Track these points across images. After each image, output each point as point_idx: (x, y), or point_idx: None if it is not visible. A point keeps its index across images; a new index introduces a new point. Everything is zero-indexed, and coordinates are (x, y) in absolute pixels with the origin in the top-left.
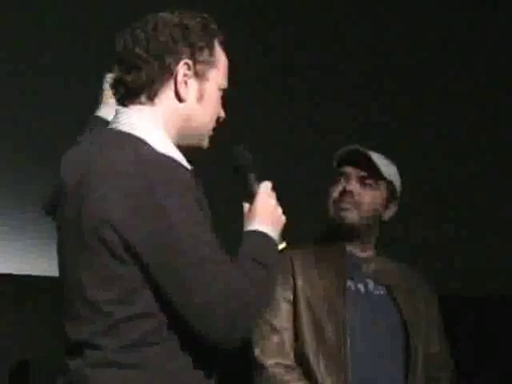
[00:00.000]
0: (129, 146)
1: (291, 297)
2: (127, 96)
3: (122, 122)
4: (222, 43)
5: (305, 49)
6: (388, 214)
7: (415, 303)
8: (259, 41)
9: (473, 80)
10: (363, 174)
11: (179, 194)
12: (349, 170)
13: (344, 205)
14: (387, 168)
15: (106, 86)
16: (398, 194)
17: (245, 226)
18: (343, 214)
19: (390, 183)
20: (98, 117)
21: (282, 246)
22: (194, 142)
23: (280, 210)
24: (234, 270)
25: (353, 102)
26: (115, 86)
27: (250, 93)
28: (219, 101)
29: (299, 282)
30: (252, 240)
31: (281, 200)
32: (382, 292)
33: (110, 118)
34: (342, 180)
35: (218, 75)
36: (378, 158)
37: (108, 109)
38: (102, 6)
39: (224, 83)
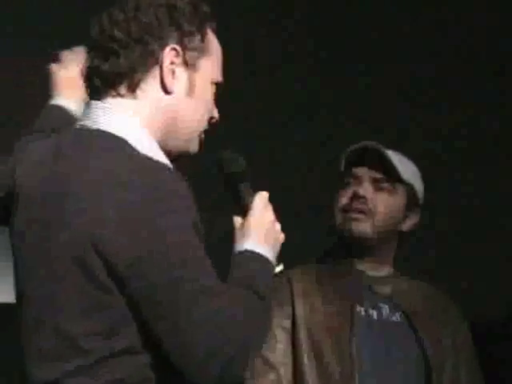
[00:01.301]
0: (120, 150)
1: (289, 326)
2: (103, 87)
3: (97, 118)
4: (214, 31)
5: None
6: (408, 224)
7: (440, 332)
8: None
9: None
10: (378, 175)
11: (175, 212)
12: (360, 170)
13: (355, 214)
14: (406, 168)
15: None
16: (420, 201)
17: (236, 245)
18: (354, 225)
19: (409, 187)
20: (57, 106)
21: (278, 268)
22: (180, 145)
23: (278, 226)
24: (230, 303)
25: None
26: (89, 77)
27: (240, 87)
28: (212, 97)
29: (299, 308)
30: (245, 263)
31: (279, 214)
32: (399, 319)
33: (71, 107)
34: (352, 183)
35: (210, 66)
36: (395, 157)
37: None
38: None
39: (218, 76)
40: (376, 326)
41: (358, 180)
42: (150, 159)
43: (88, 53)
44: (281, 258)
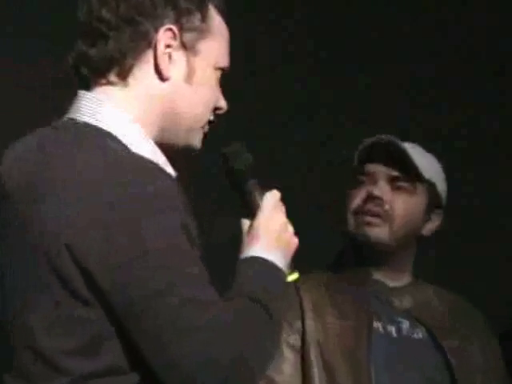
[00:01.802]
0: (94, 144)
1: (298, 342)
2: (91, 76)
3: (84, 110)
4: (220, 10)
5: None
6: (428, 228)
7: (468, 350)
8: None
9: None
10: (395, 173)
11: (160, 213)
12: (375, 167)
13: (369, 217)
14: (427, 164)
15: None
16: (444, 201)
17: (243, 250)
18: (369, 230)
19: (431, 186)
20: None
21: (292, 277)
22: (180, 139)
23: (291, 230)
24: (226, 315)
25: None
26: (76, 65)
27: (240, 87)
28: (217, 84)
29: (309, 324)
30: (252, 271)
31: (292, 215)
32: (421, 335)
33: None
34: (366, 182)
35: (213, 49)
36: (414, 151)
37: None
38: None
39: (223, 61)
40: (396, 345)
41: (373, 178)
42: (133, 155)
43: (76, 41)
44: (294, 265)
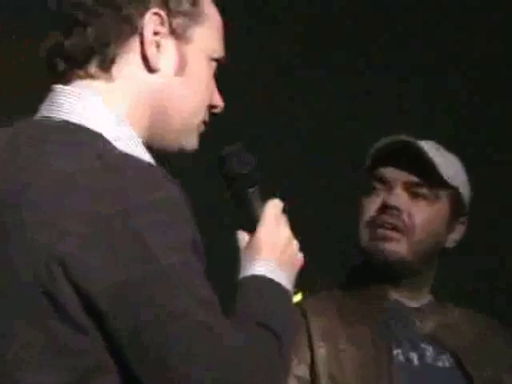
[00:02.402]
0: (87, 146)
1: (307, 374)
2: (69, 69)
3: (65, 107)
4: None
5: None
6: (452, 240)
7: (500, 377)
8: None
9: None
10: (414, 178)
11: (169, 226)
12: (391, 173)
13: (386, 231)
14: (451, 168)
15: None
16: (467, 207)
17: (243, 267)
18: (385, 245)
19: (454, 191)
20: None
21: (296, 298)
22: (172, 139)
23: (296, 244)
24: (240, 344)
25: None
26: (51, 59)
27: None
28: (212, 77)
29: (320, 353)
30: (255, 292)
31: (296, 227)
32: (447, 363)
33: None
34: (380, 189)
35: (206, 37)
36: (435, 153)
37: None
38: None
39: (218, 50)
40: (419, 375)
41: (388, 185)
42: (129, 156)
43: (50, 31)
44: (299, 284)
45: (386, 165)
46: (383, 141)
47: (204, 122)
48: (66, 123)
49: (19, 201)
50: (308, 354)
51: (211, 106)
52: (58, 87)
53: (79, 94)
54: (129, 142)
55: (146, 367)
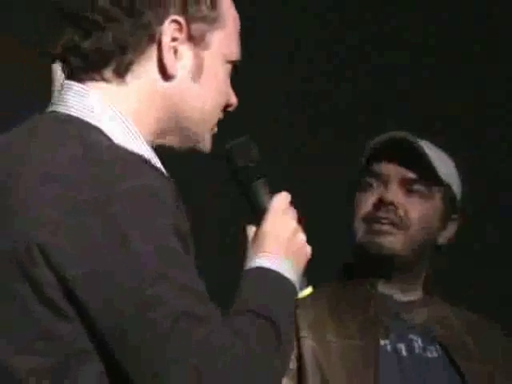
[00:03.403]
0: (74, 135)
1: (295, 368)
2: (84, 69)
3: (70, 101)
4: None
5: None
6: (445, 236)
7: (489, 370)
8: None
9: None
10: (409, 175)
11: (149, 213)
12: (387, 168)
13: (383, 226)
14: (444, 165)
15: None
16: (460, 205)
17: (248, 259)
18: (382, 238)
19: (447, 188)
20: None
21: (306, 292)
22: (186, 143)
23: (303, 237)
24: (226, 332)
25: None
26: (66, 56)
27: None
28: (228, 80)
29: (307, 344)
30: (258, 283)
31: (304, 220)
32: (435, 354)
33: None
34: (376, 185)
35: (224, 40)
36: (430, 151)
37: None
38: None
39: (235, 53)
40: (406, 364)
41: (384, 181)
42: (116, 146)
43: (66, 28)
44: (307, 277)
45: (381, 161)
46: (379, 138)
47: (218, 122)
48: (65, 116)
49: (4, 189)
50: (295, 348)
51: (226, 105)
52: (69, 83)
53: (87, 91)
54: (127, 136)
55: (127, 354)
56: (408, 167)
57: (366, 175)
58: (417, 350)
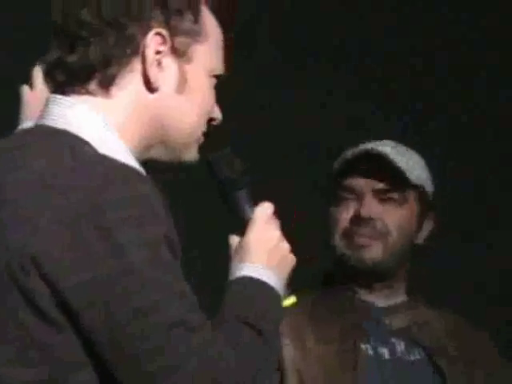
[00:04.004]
0: (62, 147)
1: (276, 375)
2: (69, 83)
3: (55, 114)
4: (214, 8)
5: None
6: (423, 235)
7: (473, 376)
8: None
9: None
10: (382, 185)
11: (139, 222)
12: (358, 182)
13: (361, 240)
14: (414, 167)
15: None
16: (433, 204)
17: (232, 269)
18: (363, 253)
19: (420, 189)
20: None
21: (289, 301)
22: (170, 154)
23: (286, 246)
24: (217, 340)
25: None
26: (51, 71)
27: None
28: (212, 93)
29: (286, 350)
30: (242, 292)
31: (286, 229)
32: (418, 356)
33: None
34: (349, 199)
35: (208, 54)
36: (397, 154)
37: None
38: None
39: (218, 66)
40: (389, 368)
41: (358, 195)
42: (104, 156)
43: (50, 41)
44: (291, 287)
45: (352, 175)
46: (348, 152)
47: (204, 134)
48: (52, 129)
49: (2, 205)
50: None
51: (210, 119)
52: (54, 97)
53: (73, 104)
54: (112, 147)
55: (120, 364)
56: (379, 178)
57: (338, 190)
58: (399, 354)
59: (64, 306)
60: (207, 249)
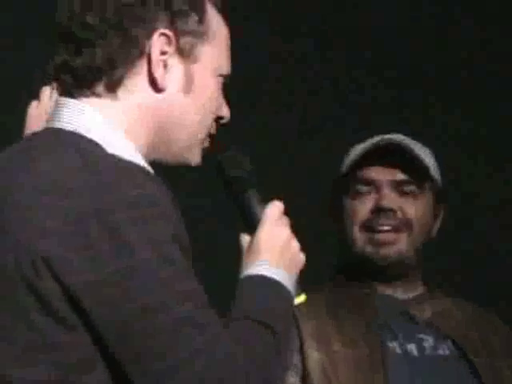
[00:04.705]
0: (71, 148)
1: (297, 379)
2: (75, 85)
3: (64, 117)
4: (219, 9)
5: None
6: (436, 227)
7: (496, 365)
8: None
9: None
10: (401, 176)
11: (148, 221)
12: (377, 173)
13: (385, 236)
14: (431, 161)
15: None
16: (446, 195)
17: (243, 268)
18: (386, 250)
19: (435, 182)
20: None
21: (299, 299)
22: (176, 155)
23: (296, 245)
24: (227, 337)
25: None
26: (58, 74)
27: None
28: (219, 93)
29: (312, 355)
30: (254, 291)
31: (297, 229)
32: (447, 351)
33: None
34: (366, 191)
35: (214, 54)
36: (416, 148)
37: None
38: None
39: (225, 67)
40: (418, 365)
41: (376, 186)
42: (113, 156)
43: (56, 44)
44: (301, 285)
45: (369, 167)
46: (365, 143)
47: (209, 135)
48: (60, 131)
49: (6, 203)
50: (299, 359)
51: (218, 118)
52: (62, 99)
53: (82, 107)
54: (120, 147)
55: (128, 362)
56: (398, 169)
57: (353, 182)
58: (428, 350)
59: (74, 305)
60: (207, 249)
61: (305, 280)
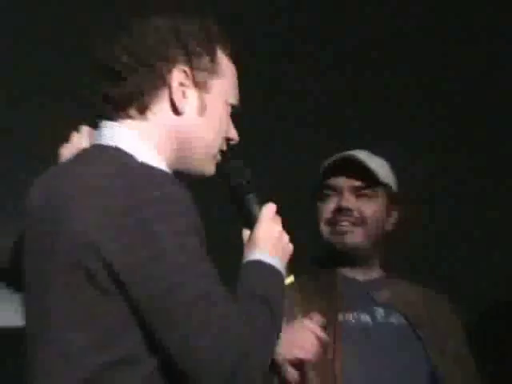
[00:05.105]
0: (106, 157)
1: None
2: (112, 110)
3: (105, 135)
4: (228, 52)
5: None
6: (390, 223)
7: (444, 339)
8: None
9: None
10: (357, 183)
11: (172, 216)
12: (339, 181)
13: (343, 227)
14: (382, 169)
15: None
16: (397, 196)
17: (245, 255)
18: (344, 238)
19: (387, 187)
20: None
21: (288, 280)
22: (193, 167)
23: (286, 238)
24: (234, 310)
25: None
26: (99, 102)
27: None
28: (228, 117)
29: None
30: (254, 272)
31: (286, 226)
32: (396, 321)
33: None
34: (332, 195)
35: (223, 87)
36: (370, 160)
37: None
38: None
39: (233, 97)
40: (369, 331)
41: (339, 191)
42: (144, 164)
43: (94, 77)
44: (290, 269)
45: (334, 176)
46: (331, 158)
47: (221, 151)
48: (102, 146)
49: (60, 201)
50: None
51: (228, 139)
52: (103, 122)
53: (118, 126)
54: (149, 157)
55: (158, 329)
56: (355, 177)
57: (323, 188)
58: (380, 319)
59: (114, 277)
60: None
61: (292, 265)
